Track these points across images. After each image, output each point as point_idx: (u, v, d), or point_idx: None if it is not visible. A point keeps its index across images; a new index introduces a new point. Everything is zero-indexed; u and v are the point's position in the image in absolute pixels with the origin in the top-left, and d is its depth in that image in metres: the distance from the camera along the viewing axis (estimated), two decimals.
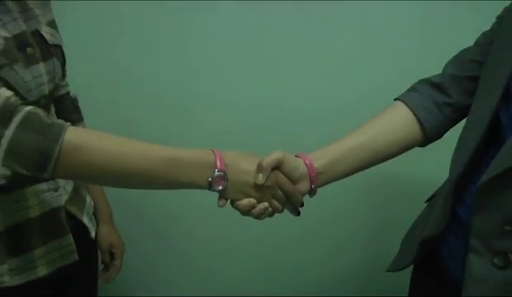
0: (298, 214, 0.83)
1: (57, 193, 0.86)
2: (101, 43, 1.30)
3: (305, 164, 0.81)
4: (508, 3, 0.78)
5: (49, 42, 0.83)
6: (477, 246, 0.71)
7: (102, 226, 1.09)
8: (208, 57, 1.31)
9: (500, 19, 0.80)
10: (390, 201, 1.41)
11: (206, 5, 1.26)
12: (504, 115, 0.72)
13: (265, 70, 1.31)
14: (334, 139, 0.85)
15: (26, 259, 0.83)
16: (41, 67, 0.80)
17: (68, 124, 0.67)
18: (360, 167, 0.85)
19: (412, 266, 0.92)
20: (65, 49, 0.90)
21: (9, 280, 0.81)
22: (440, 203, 0.81)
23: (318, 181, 0.81)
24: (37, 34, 0.81)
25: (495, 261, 0.69)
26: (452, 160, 0.79)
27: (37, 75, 0.79)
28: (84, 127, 1.00)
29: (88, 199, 1.01)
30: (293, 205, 0.81)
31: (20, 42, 0.76)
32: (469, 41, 0.86)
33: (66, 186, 0.90)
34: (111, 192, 1.11)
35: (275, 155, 0.78)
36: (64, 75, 0.92)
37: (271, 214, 0.81)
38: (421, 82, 0.88)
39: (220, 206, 0.77)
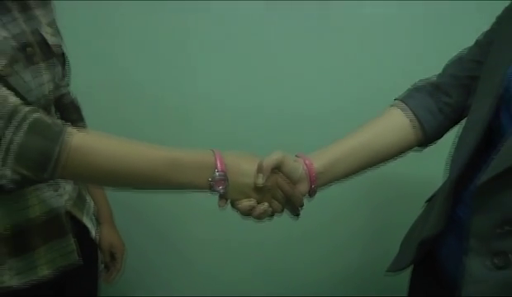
0: (298, 215, 0.84)
1: (57, 193, 0.86)
2: (100, 44, 1.30)
3: (305, 165, 0.81)
4: (508, 3, 0.78)
5: (50, 42, 0.83)
6: (476, 246, 0.71)
7: (103, 227, 1.09)
8: (207, 58, 1.31)
9: (500, 19, 0.80)
10: (389, 202, 1.41)
11: (205, 6, 1.26)
12: (503, 115, 0.72)
13: (265, 71, 1.32)
14: (334, 139, 0.86)
15: (27, 259, 0.83)
16: (41, 67, 0.80)
17: (69, 125, 0.67)
18: (360, 168, 0.85)
19: (412, 267, 0.92)
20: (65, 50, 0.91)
21: (9, 280, 0.81)
22: (439, 203, 0.81)
23: (318, 181, 0.82)
24: (37, 34, 0.81)
25: (495, 261, 0.69)
26: (452, 160, 0.79)
27: (37, 75, 0.79)
28: (85, 127, 1.01)
29: (88, 199, 1.01)
30: (293, 205, 0.82)
31: (20, 42, 0.76)
32: (470, 41, 0.86)
33: (66, 187, 0.90)
34: (111, 193, 1.12)
35: (275, 156, 0.78)
36: (64, 75, 0.92)
37: (271, 216, 0.81)
38: (421, 82, 0.88)
39: (220, 207, 0.78)
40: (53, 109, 0.88)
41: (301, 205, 0.82)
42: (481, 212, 0.70)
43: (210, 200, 0.79)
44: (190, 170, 0.72)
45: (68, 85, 0.99)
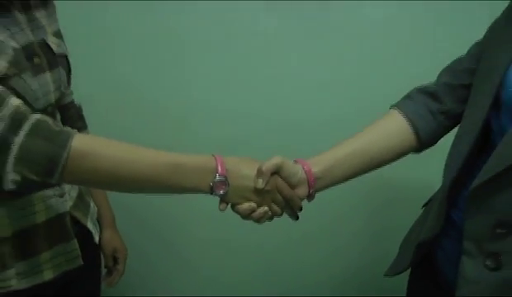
0: (297, 218, 0.85)
1: (62, 199, 0.87)
2: (99, 52, 1.30)
3: (304, 169, 0.83)
4: (507, 3, 0.78)
5: (55, 52, 0.85)
6: (470, 248, 0.72)
7: (106, 231, 1.10)
8: (206, 61, 1.31)
9: (491, 29, 0.82)
10: (388, 205, 1.42)
11: (205, 7, 1.26)
12: (494, 122, 0.74)
13: (264, 75, 1.32)
14: (332, 144, 0.87)
15: (33, 263, 0.84)
16: (48, 76, 0.82)
17: (75, 131, 0.69)
18: (357, 173, 0.86)
19: (410, 270, 0.93)
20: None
21: (16, 284, 0.82)
22: (435, 207, 0.82)
23: (316, 185, 0.83)
24: (44, 44, 0.83)
25: (488, 263, 0.70)
26: (446, 165, 0.81)
27: (44, 84, 0.81)
28: (88, 134, 1.02)
29: (92, 204, 1.02)
30: (292, 209, 0.83)
31: (27, 52, 0.77)
32: (470, 41, 0.87)
33: (71, 192, 0.91)
34: (113, 198, 1.12)
35: (274, 160, 0.79)
36: (69, 83, 0.94)
37: (270, 218, 0.82)
38: (416, 90, 0.90)
39: (221, 210, 0.79)
40: (58, 116, 0.90)
41: (300, 209, 0.84)
42: (475, 215, 0.72)
43: (210, 202, 0.80)
44: (192, 174, 0.74)
45: (72, 93, 1.00)
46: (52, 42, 0.85)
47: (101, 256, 1.10)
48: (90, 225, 0.97)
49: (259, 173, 0.78)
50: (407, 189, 1.37)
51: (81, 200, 0.95)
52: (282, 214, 0.83)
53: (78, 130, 0.71)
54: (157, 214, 1.43)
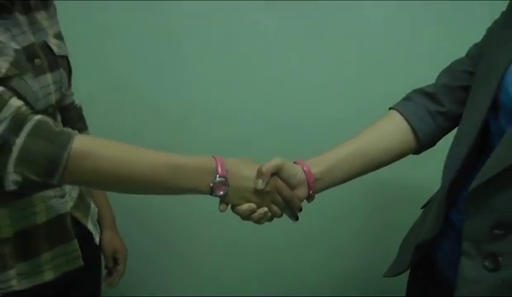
0: (296, 219, 0.85)
1: (63, 199, 0.88)
2: (99, 52, 1.30)
3: (303, 170, 0.83)
4: (506, 3, 0.78)
5: (56, 53, 0.86)
6: (469, 249, 0.73)
7: (106, 232, 1.10)
8: (206, 62, 1.31)
9: (490, 31, 0.83)
10: (388, 204, 1.42)
11: (204, 7, 1.27)
12: (492, 124, 0.74)
13: (264, 78, 1.32)
14: (332, 144, 0.87)
15: (34, 264, 0.85)
16: (49, 77, 0.83)
17: (76, 132, 0.69)
18: (356, 174, 0.87)
19: (409, 270, 0.93)
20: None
21: (17, 284, 0.83)
22: (434, 208, 0.83)
23: (315, 186, 0.83)
24: (45, 45, 0.84)
25: (486, 263, 0.71)
26: (445, 167, 0.81)
27: (45, 85, 0.81)
28: (89, 135, 1.02)
29: (93, 205, 1.02)
30: (292, 209, 0.83)
31: (29, 54, 0.78)
32: (470, 41, 0.87)
33: (72, 193, 0.92)
34: (113, 199, 1.13)
35: (274, 161, 0.80)
36: (69, 85, 0.94)
37: (270, 219, 0.83)
38: (415, 91, 0.90)
39: (221, 211, 0.79)
40: (59, 117, 0.90)
41: (300, 209, 0.84)
42: (473, 216, 0.72)
43: (210, 203, 0.80)
44: (192, 175, 0.74)
45: (72, 95, 1.00)
46: (53, 43, 0.86)
47: (102, 256, 1.11)
48: (90, 226, 0.97)
49: (259, 174, 0.79)
50: (406, 189, 1.37)
51: (81, 201, 0.96)
52: (281, 215, 0.84)
53: (79, 131, 0.71)
54: (157, 214, 1.43)
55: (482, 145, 0.76)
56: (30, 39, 0.80)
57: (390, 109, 0.90)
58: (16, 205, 0.81)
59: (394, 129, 0.87)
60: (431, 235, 0.82)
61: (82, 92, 1.03)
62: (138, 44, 1.31)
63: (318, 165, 0.84)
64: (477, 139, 0.75)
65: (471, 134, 0.75)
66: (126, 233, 1.17)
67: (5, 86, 0.69)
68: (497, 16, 0.82)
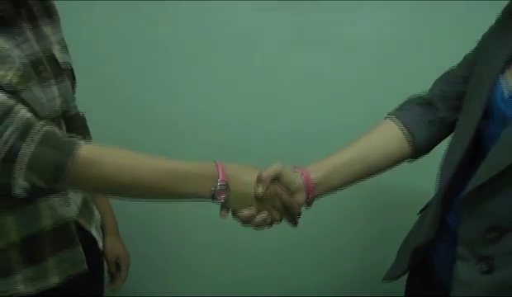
0: (296, 224, 0.86)
1: (68, 206, 0.89)
2: (91, 57, 1.28)
3: (303, 176, 0.84)
4: (506, 3, 0.79)
5: (60, 60, 0.87)
6: (464, 252, 0.74)
7: (109, 238, 1.11)
8: (205, 72, 1.32)
9: (483, 39, 0.84)
10: (386, 209, 1.43)
11: (200, 18, 1.27)
12: (485, 132, 0.76)
13: (265, 86, 1.33)
14: (331, 150, 0.89)
15: (39, 268, 0.85)
16: (53, 86, 0.84)
17: (81, 140, 0.71)
18: (354, 179, 0.88)
19: (407, 274, 0.94)
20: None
21: (24, 289, 0.84)
22: (430, 213, 0.84)
23: (314, 192, 0.85)
24: (48, 53, 0.85)
25: (480, 266, 0.72)
26: (440, 172, 0.83)
27: (50, 94, 0.82)
28: (91, 141, 1.03)
29: (96, 212, 1.03)
30: (291, 214, 0.84)
31: (35, 64, 0.80)
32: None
33: (76, 200, 0.93)
34: (116, 205, 1.13)
35: (274, 167, 0.81)
36: (72, 91, 0.95)
37: (270, 224, 0.84)
38: (411, 99, 0.92)
39: (221, 216, 0.81)
40: (63, 124, 0.91)
41: (299, 214, 0.85)
42: (468, 220, 0.74)
43: (209, 205, 0.81)
44: (193, 181, 0.76)
45: (76, 102, 1.01)
46: (57, 53, 0.87)
47: (105, 261, 1.12)
48: (94, 232, 0.98)
49: (259, 180, 0.80)
50: (403, 194, 1.38)
51: (85, 208, 0.97)
52: (281, 220, 0.85)
53: (82, 139, 0.73)
54: (156, 216, 1.43)
55: (476, 151, 0.78)
56: (35, 48, 0.81)
57: (387, 115, 0.92)
58: (22, 211, 0.82)
59: (390, 136, 0.89)
60: (427, 239, 0.83)
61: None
62: (134, 51, 1.30)
63: (317, 171, 0.85)
64: (471, 145, 0.77)
65: (464, 141, 0.77)
66: (127, 234, 1.18)
67: (14, 97, 0.71)
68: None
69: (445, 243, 0.82)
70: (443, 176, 0.81)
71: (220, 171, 0.77)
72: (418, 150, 0.89)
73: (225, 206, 0.80)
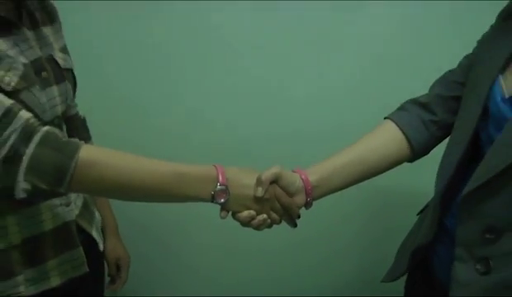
0: (295, 225, 0.87)
1: (69, 208, 0.89)
2: (89, 62, 1.25)
3: (302, 179, 0.85)
4: (505, 3, 0.79)
5: (62, 66, 0.88)
6: (462, 253, 0.75)
7: (109, 240, 1.12)
8: (207, 74, 1.32)
9: (480, 43, 0.85)
10: (385, 211, 1.43)
11: (199, 19, 1.27)
12: (483, 133, 0.77)
13: (265, 88, 1.33)
14: (330, 153, 0.89)
15: (41, 270, 0.86)
16: (55, 89, 0.85)
17: (82, 142, 0.72)
18: (353, 181, 0.89)
19: (406, 275, 0.95)
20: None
21: (25, 290, 0.84)
22: (429, 215, 0.84)
23: (313, 194, 0.86)
24: (51, 59, 0.86)
25: (478, 267, 0.73)
26: (438, 174, 0.83)
27: (51, 97, 0.83)
28: (94, 145, 1.04)
29: (97, 213, 1.04)
30: (290, 216, 0.85)
31: (36, 67, 0.80)
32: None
33: (77, 202, 0.93)
34: (116, 206, 1.14)
35: (273, 170, 0.82)
36: (74, 96, 0.96)
37: (269, 226, 0.84)
38: (409, 101, 0.92)
39: (221, 218, 0.81)
40: (64, 128, 0.92)
41: (298, 216, 0.86)
42: (466, 221, 0.74)
43: (209, 206, 0.81)
44: (193, 183, 0.76)
45: (76, 105, 1.03)
46: (59, 57, 0.88)
47: (105, 263, 1.12)
48: (95, 234, 0.99)
49: (259, 182, 0.81)
50: (402, 196, 1.38)
51: (86, 210, 0.98)
52: (280, 222, 0.86)
53: (83, 141, 0.73)
54: (157, 217, 1.43)
55: (474, 153, 0.78)
56: (37, 53, 0.82)
57: (385, 118, 0.93)
58: (24, 213, 0.83)
59: (389, 138, 0.89)
60: (426, 240, 0.84)
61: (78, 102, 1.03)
62: (126, 49, 1.30)
63: (315, 173, 0.86)
64: (469, 147, 0.77)
65: (462, 143, 0.78)
66: (127, 236, 1.18)
67: (14, 98, 0.71)
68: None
69: (443, 245, 0.83)
70: (441, 178, 0.82)
71: (219, 173, 0.78)
72: (415, 152, 0.90)
73: (224, 208, 0.81)
